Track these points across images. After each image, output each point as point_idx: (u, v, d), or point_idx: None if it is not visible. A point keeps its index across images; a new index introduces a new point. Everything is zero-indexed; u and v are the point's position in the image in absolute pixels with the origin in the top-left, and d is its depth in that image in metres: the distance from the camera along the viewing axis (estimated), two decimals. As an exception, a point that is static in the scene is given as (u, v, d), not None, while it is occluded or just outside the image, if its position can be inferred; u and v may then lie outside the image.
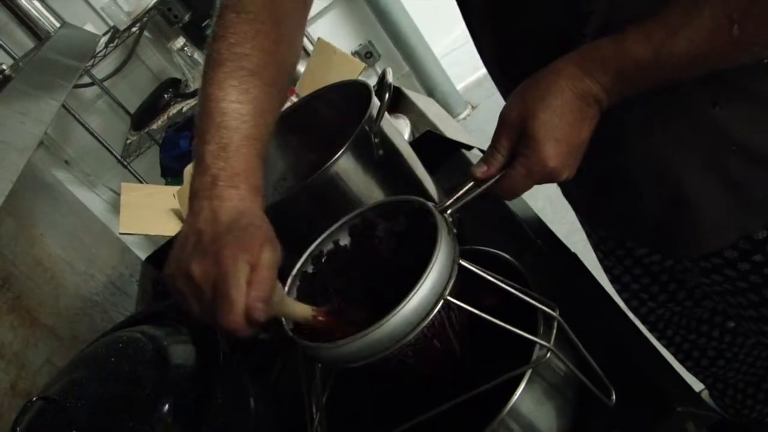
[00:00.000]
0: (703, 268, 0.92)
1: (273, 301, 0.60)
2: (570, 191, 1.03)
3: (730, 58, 0.63)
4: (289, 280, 0.70)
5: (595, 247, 1.15)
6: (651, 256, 1.06)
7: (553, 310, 0.65)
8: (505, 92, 0.90)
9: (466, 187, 0.69)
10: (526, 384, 0.63)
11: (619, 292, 1.18)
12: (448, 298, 0.58)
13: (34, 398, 0.75)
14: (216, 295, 0.58)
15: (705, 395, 1.41)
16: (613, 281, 1.17)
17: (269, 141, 0.72)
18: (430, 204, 0.66)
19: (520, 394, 0.62)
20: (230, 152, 0.65)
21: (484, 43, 0.89)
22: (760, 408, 1.34)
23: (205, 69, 0.71)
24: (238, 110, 0.68)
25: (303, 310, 0.65)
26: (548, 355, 0.62)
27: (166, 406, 0.72)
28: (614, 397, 0.66)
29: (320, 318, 0.65)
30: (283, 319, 0.66)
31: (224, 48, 0.70)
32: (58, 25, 2.57)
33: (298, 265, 0.71)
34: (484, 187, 0.69)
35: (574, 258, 0.91)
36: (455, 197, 0.68)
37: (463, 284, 0.60)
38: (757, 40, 0.60)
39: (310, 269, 0.72)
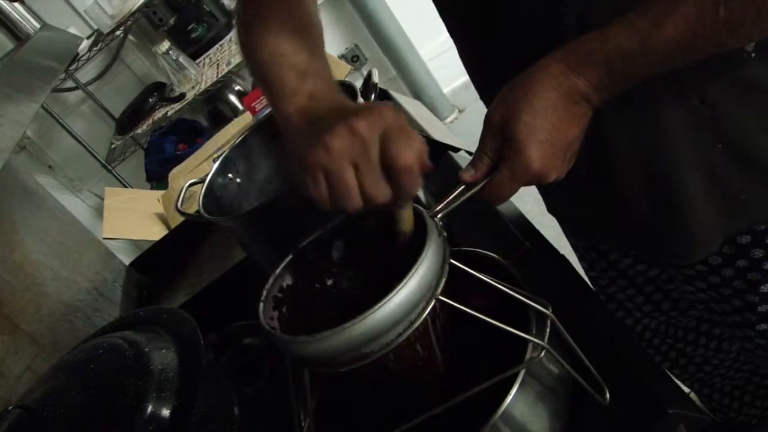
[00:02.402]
0: (688, 276, 0.92)
1: None
2: (555, 200, 1.02)
3: (719, 42, 0.62)
4: (270, 281, 0.68)
5: (581, 259, 1.15)
6: (635, 267, 1.06)
7: (546, 308, 0.64)
8: (487, 99, 0.89)
9: (456, 192, 0.68)
10: (519, 386, 0.61)
11: (605, 303, 1.17)
12: (440, 297, 0.57)
13: (11, 407, 0.73)
14: (390, 141, 0.56)
15: (693, 398, 1.41)
16: (598, 292, 1.17)
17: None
18: (421, 209, 0.65)
19: (513, 397, 0.61)
20: (310, 75, 0.68)
21: (465, 50, 0.89)
22: (746, 410, 1.35)
23: (247, 36, 0.77)
24: (299, 52, 0.72)
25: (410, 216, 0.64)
26: (543, 353, 0.61)
27: (148, 414, 0.71)
28: (608, 395, 0.65)
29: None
30: (261, 315, 0.64)
31: (265, 11, 0.76)
32: (39, 27, 2.54)
33: (284, 262, 0.70)
34: (473, 191, 0.68)
35: (562, 260, 0.90)
36: (445, 202, 0.67)
37: (452, 287, 0.59)
38: (746, 20, 0.59)
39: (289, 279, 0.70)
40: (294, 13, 0.77)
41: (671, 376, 1.26)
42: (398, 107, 0.61)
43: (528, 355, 0.63)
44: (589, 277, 1.16)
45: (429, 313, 0.57)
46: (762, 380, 1.32)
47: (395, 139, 0.56)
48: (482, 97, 0.91)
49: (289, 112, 0.66)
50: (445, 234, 0.63)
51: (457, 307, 0.59)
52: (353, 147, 0.56)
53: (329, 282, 0.71)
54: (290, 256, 0.71)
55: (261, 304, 0.66)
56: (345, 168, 0.57)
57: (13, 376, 1.06)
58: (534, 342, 0.62)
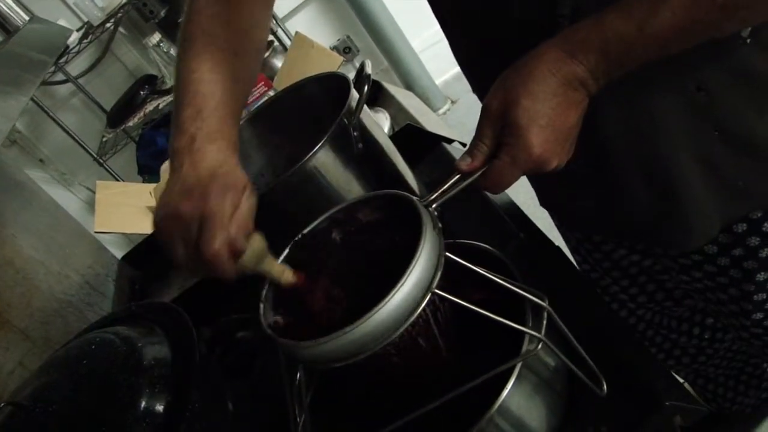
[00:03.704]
0: (683, 266, 0.91)
1: (254, 249, 0.64)
2: (549, 192, 1.01)
3: (716, 27, 0.61)
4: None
5: (574, 252, 1.14)
6: (630, 257, 1.06)
7: (543, 300, 0.63)
8: (481, 91, 0.88)
9: (452, 181, 0.67)
10: (516, 379, 0.61)
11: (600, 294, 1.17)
12: (436, 291, 0.56)
13: (2, 404, 0.73)
14: (202, 229, 0.62)
15: (687, 388, 1.41)
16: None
17: (242, 106, 0.80)
18: (415, 198, 0.64)
19: (510, 390, 0.60)
20: (206, 114, 0.71)
21: (458, 42, 0.88)
22: (741, 399, 1.35)
23: (179, 49, 0.79)
24: (212, 79, 0.75)
25: (281, 270, 0.67)
26: (539, 346, 0.60)
27: (141, 410, 0.70)
28: (605, 387, 0.64)
29: (299, 282, 0.67)
30: (262, 316, 0.63)
31: (197, 29, 0.78)
32: (28, 19, 2.52)
33: (281, 257, 0.69)
34: (469, 180, 0.67)
35: (557, 251, 0.90)
36: (440, 191, 0.66)
37: (447, 279, 0.58)
38: (741, 4, 0.59)
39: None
40: (235, 35, 0.79)
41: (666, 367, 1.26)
42: (238, 177, 0.68)
43: (524, 348, 0.62)
44: (582, 271, 1.15)
45: (429, 307, 0.57)
46: (755, 370, 1.32)
47: (205, 227, 0.62)
48: (475, 89, 0.91)
49: (170, 150, 0.71)
50: (440, 225, 0.62)
51: (454, 301, 0.58)
52: (177, 228, 0.64)
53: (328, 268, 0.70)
54: (287, 250, 0.70)
55: (261, 305, 0.65)
56: (172, 245, 0.64)
57: (4, 373, 1.05)
58: (531, 335, 0.62)
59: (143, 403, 0.71)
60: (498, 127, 0.65)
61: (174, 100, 0.75)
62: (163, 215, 0.66)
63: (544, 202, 1.03)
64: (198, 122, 0.71)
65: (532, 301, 0.64)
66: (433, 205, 0.64)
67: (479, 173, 0.66)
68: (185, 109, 0.72)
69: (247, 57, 0.81)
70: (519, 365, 0.61)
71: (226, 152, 0.70)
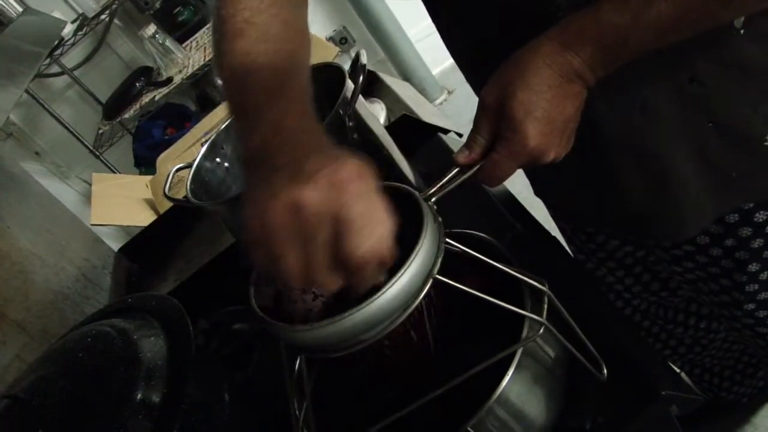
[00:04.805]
0: (675, 256, 0.91)
1: None
2: (542, 183, 1.01)
3: (713, 16, 0.61)
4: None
5: (569, 241, 1.14)
6: (623, 248, 1.05)
7: (543, 284, 0.63)
8: (476, 83, 0.87)
9: (450, 174, 0.67)
10: (515, 368, 0.60)
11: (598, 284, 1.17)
12: (437, 276, 0.56)
13: (-1, 397, 0.73)
14: (349, 220, 0.47)
15: (683, 378, 1.42)
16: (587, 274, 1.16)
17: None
18: (413, 191, 0.64)
19: (510, 379, 0.60)
20: (287, 95, 0.57)
21: (452, 36, 0.88)
22: (736, 389, 1.36)
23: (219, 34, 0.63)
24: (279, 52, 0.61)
25: None
26: (541, 330, 0.60)
27: (137, 403, 0.70)
28: (605, 371, 0.64)
29: None
30: (253, 300, 0.63)
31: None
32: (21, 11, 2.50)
33: None
34: (468, 173, 0.67)
35: (554, 241, 0.90)
36: (439, 185, 0.66)
37: (445, 270, 0.58)
38: None
39: None
40: None
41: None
42: (365, 161, 0.53)
43: (525, 334, 0.62)
44: (578, 261, 1.15)
45: (425, 299, 0.57)
46: (751, 359, 1.32)
47: (354, 223, 0.48)
48: (470, 81, 0.90)
49: (247, 148, 0.55)
50: (440, 219, 0.62)
51: (454, 286, 0.58)
52: (297, 227, 0.48)
53: None
54: None
55: (252, 288, 0.64)
56: (284, 253, 0.49)
57: (1, 366, 1.05)
58: (533, 319, 0.61)
59: (139, 396, 0.70)
60: (495, 120, 0.65)
61: (229, 95, 0.60)
62: (271, 213, 0.49)
63: (538, 192, 1.03)
64: (276, 108, 0.55)
65: (532, 285, 0.63)
66: (432, 199, 0.64)
67: (477, 167, 0.66)
68: (251, 98, 0.57)
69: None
70: (519, 352, 0.61)
71: (323, 132, 0.55)
